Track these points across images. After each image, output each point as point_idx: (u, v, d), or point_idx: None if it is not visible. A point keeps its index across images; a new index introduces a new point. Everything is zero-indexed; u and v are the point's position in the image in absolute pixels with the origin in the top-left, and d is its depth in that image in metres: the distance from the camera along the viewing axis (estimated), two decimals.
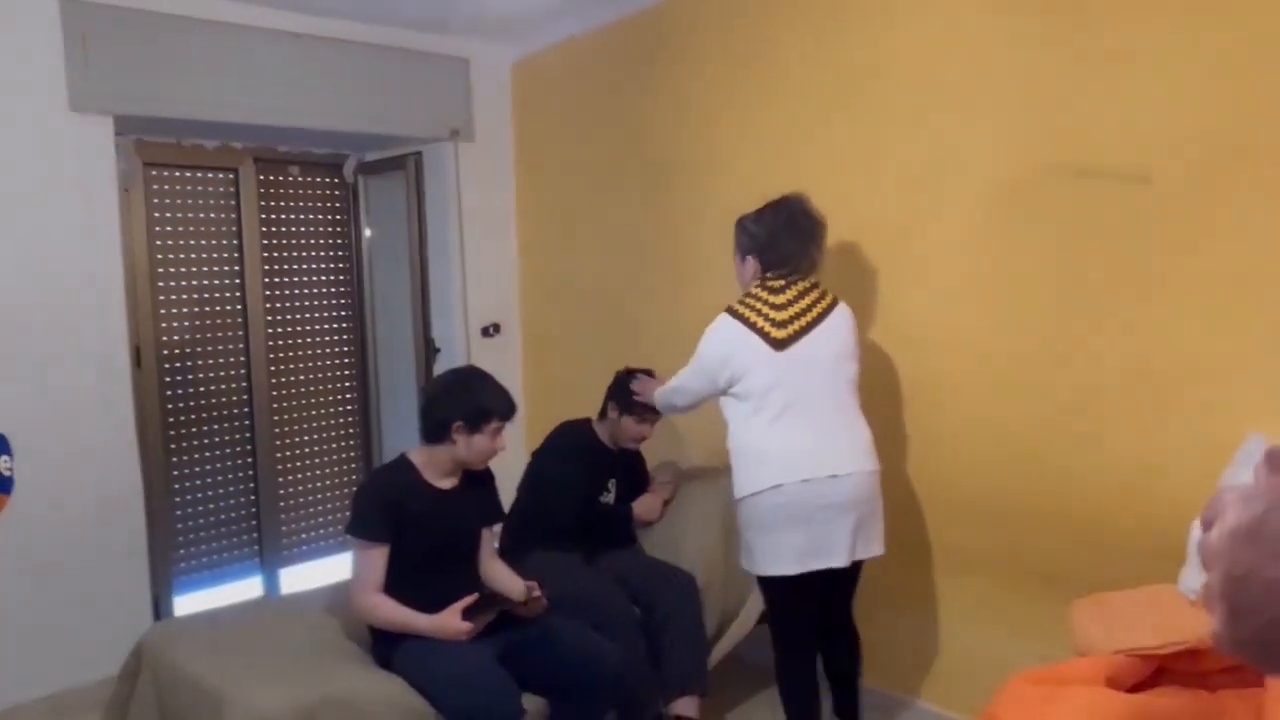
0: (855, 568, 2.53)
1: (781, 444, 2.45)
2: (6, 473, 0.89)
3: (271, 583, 4.18)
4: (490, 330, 4.31)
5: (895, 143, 2.90)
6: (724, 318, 2.55)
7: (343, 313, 4.46)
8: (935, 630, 2.95)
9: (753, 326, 2.50)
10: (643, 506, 3.13)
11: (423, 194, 4.25)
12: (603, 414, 3.16)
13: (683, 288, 3.63)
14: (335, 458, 4.44)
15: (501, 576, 2.62)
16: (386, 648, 2.41)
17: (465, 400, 2.49)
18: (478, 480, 2.61)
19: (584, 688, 2.38)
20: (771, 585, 2.52)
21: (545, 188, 4.25)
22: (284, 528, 4.25)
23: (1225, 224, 2.27)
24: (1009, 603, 2.75)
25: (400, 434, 4.43)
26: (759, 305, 2.52)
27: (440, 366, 4.20)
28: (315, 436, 4.37)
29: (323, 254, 4.39)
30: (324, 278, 4.40)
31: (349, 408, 4.50)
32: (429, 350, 4.28)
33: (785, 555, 2.44)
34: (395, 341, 4.43)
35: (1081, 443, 2.56)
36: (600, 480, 3.10)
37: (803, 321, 2.50)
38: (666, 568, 2.90)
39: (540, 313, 4.37)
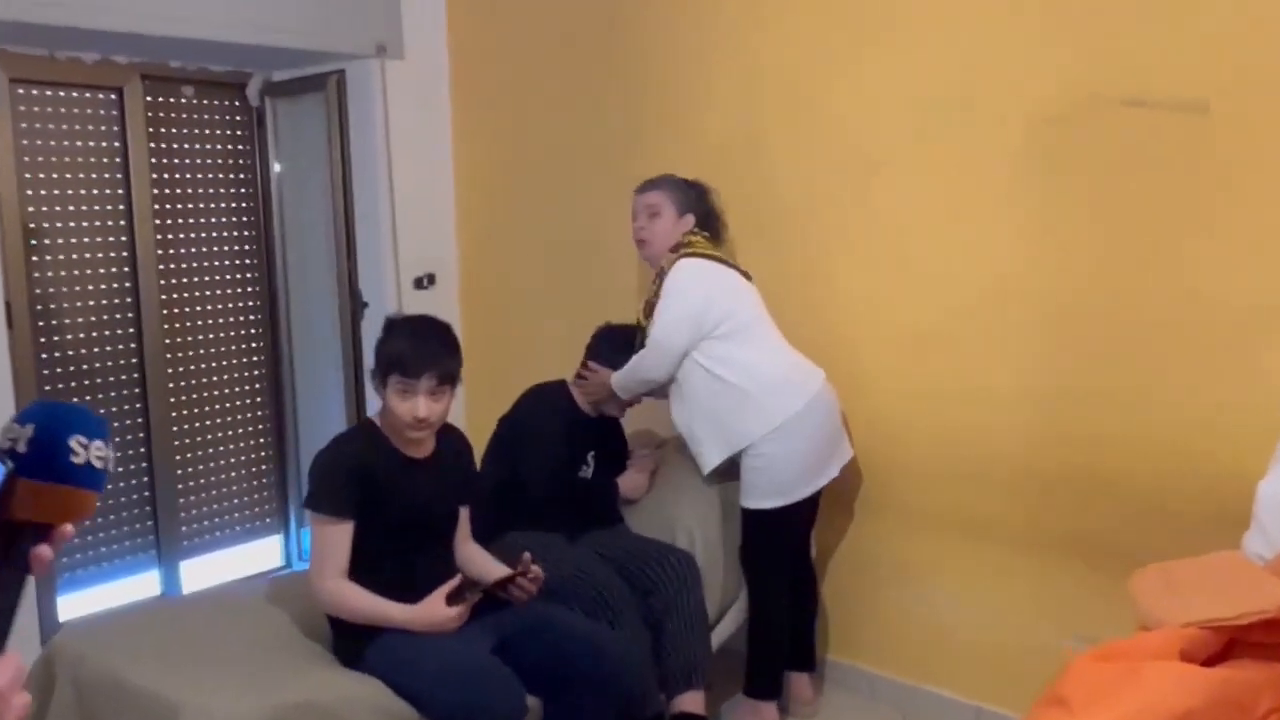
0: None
1: (785, 366, 2.91)
2: (98, 463, 0.81)
3: (171, 577, 4.09)
4: (424, 281, 4.25)
5: (917, 69, 2.94)
6: (693, 260, 2.93)
7: (249, 261, 4.34)
8: (953, 609, 3.04)
9: (722, 261, 2.97)
10: (628, 483, 3.14)
11: (344, 121, 4.13)
12: (581, 376, 3.14)
13: None
14: (243, 430, 4.35)
15: (480, 562, 2.59)
16: (355, 644, 2.37)
17: (378, 348, 2.46)
18: (454, 449, 2.58)
19: (586, 682, 2.38)
20: (772, 515, 2.88)
21: (489, 115, 4.18)
22: (184, 513, 4.15)
23: None
24: (1037, 578, 2.86)
25: (320, 402, 4.36)
26: (710, 248, 3.01)
27: (369, 323, 4.12)
28: (219, 405, 4.26)
29: (225, 191, 4.25)
30: (226, 219, 4.26)
31: (258, 372, 4.40)
32: (354, 305, 4.19)
33: (813, 471, 2.89)
34: (313, 295, 4.34)
35: (1125, 398, 2.66)
36: (579, 452, 3.10)
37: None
38: (662, 547, 2.93)
39: (482, 261, 4.31)
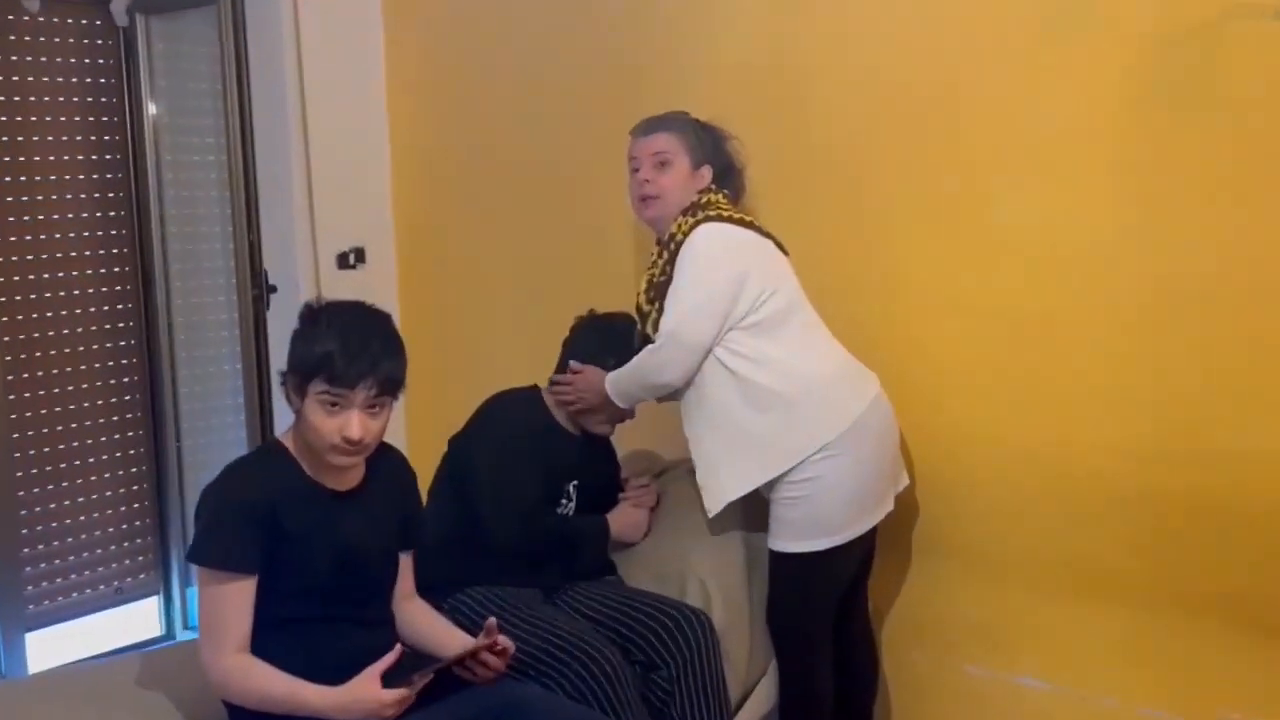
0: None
1: (836, 365, 2.97)
2: None
3: (14, 653, 4.07)
4: (350, 259, 4.27)
5: None
6: (718, 226, 2.92)
7: (116, 232, 4.35)
8: (1052, 685, 3.03)
9: (757, 229, 2.97)
10: (624, 522, 3.15)
11: (242, 48, 4.13)
12: (560, 381, 3.14)
13: None
14: (108, 457, 4.35)
15: (427, 626, 2.59)
16: None
17: (295, 346, 2.41)
18: (391, 478, 2.57)
19: None
20: (814, 561, 2.89)
21: (436, 39, 4.19)
22: (29, 569, 4.16)
23: None
24: (1167, 644, 2.85)
25: (211, 418, 4.39)
26: (736, 212, 3.01)
27: (278, 312, 4.13)
28: (76, 425, 4.27)
29: (83, 140, 4.26)
30: (86, 177, 4.27)
31: (129, 379, 4.40)
32: (259, 290, 4.20)
33: (869, 501, 2.92)
34: (201, 277, 4.37)
35: (1271, 411, 2.64)
36: (557, 481, 3.10)
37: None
38: (668, 605, 2.92)
39: (426, 232, 4.33)
